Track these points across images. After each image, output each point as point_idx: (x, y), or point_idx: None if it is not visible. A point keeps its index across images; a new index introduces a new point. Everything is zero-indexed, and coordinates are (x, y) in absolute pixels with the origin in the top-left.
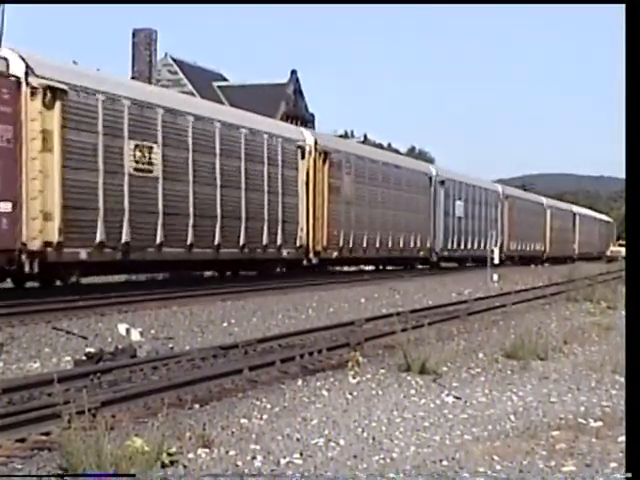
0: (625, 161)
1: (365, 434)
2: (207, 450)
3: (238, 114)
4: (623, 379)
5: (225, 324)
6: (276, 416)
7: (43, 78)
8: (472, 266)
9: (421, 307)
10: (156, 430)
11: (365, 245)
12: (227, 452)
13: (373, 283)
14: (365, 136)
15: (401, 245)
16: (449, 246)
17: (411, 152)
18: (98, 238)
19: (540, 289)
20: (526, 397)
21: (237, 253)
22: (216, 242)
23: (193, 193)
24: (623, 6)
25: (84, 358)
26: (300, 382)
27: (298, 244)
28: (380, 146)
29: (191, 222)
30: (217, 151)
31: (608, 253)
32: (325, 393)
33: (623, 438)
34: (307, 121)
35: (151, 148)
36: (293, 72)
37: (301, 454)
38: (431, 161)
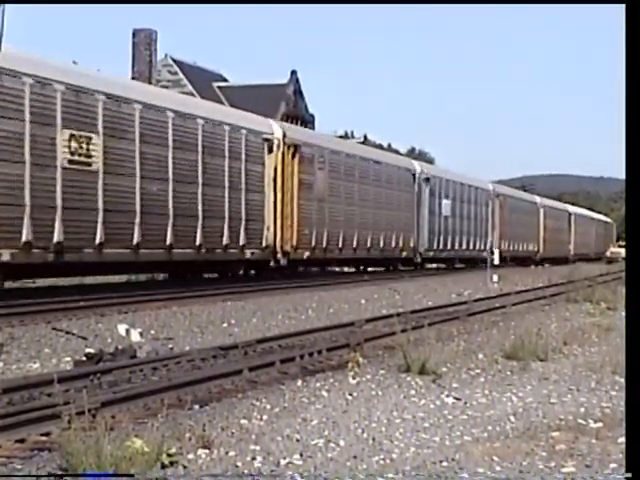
0: (625, 162)
1: (365, 435)
2: (207, 451)
3: (194, 103)
4: (623, 380)
5: (225, 324)
6: (276, 417)
7: None
8: (462, 267)
9: (421, 308)
10: (156, 431)
11: (341, 245)
12: (227, 453)
13: (373, 284)
14: (365, 136)
15: (381, 245)
16: (434, 246)
17: (411, 153)
18: (24, 238)
19: (540, 290)
20: (526, 398)
21: (193, 254)
22: (168, 242)
23: (140, 188)
24: (623, 6)
25: (84, 358)
26: (300, 383)
27: (264, 244)
28: (380, 146)
29: (137, 220)
30: (170, 143)
31: (608, 254)
32: (325, 394)
33: (623, 439)
34: (307, 122)
35: (90, 138)
36: (293, 72)
37: (301, 455)
38: (431, 162)
